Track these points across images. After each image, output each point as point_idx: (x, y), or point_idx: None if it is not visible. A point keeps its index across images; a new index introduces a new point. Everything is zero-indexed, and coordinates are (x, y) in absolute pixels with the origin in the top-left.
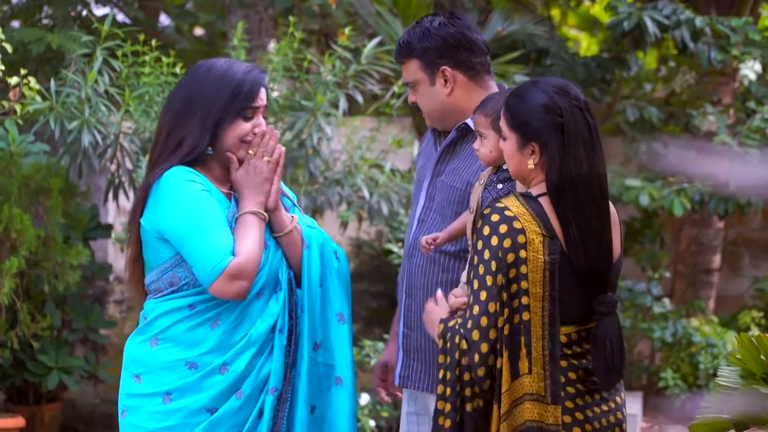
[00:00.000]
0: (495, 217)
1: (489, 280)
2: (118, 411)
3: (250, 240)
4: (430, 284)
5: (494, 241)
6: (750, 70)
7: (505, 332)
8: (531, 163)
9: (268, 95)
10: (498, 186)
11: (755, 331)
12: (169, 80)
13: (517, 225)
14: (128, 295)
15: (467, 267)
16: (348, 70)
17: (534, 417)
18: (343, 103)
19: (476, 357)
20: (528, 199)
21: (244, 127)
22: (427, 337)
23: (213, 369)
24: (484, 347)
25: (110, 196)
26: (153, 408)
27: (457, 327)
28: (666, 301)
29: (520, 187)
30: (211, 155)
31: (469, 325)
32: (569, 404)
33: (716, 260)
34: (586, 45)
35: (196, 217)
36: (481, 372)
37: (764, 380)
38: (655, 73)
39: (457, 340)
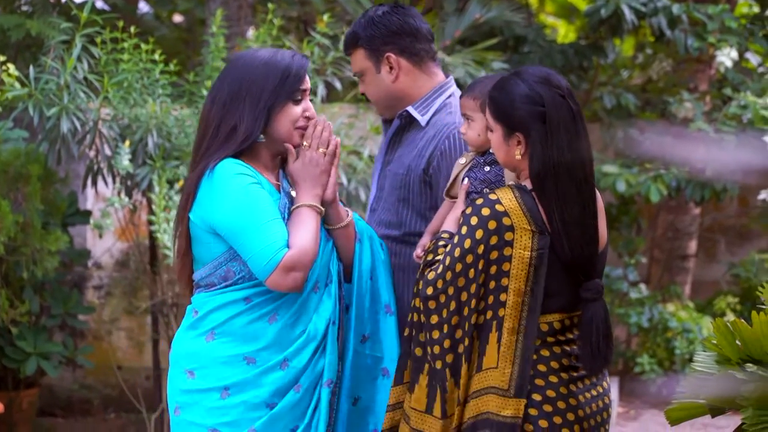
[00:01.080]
0: (485, 211)
1: (458, 267)
2: (169, 409)
3: (305, 232)
4: (400, 265)
5: (479, 234)
6: (726, 57)
7: (473, 322)
8: (518, 154)
9: None
10: (485, 168)
11: (731, 317)
12: (148, 67)
13: (506, 221)
14: (107, 281)
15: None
16: (327, 57)
17: (491, 409)
18: (321, 90)
19: (421, 305)
20: (522, 192)
21: (295, 110)
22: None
23: (274, 365)
24: (432, 304)
25: (89, 182)
26: (210, 403)
27: (431, 260)
28: (642, 286)
29: (508, 175)
30: (261, 143)
31: (430, 276)
32: (551, 393)
33: (692, 246)
34: (564, 32)
35: (248, 211)
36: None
37: (740, 365)
38: (632, 60)
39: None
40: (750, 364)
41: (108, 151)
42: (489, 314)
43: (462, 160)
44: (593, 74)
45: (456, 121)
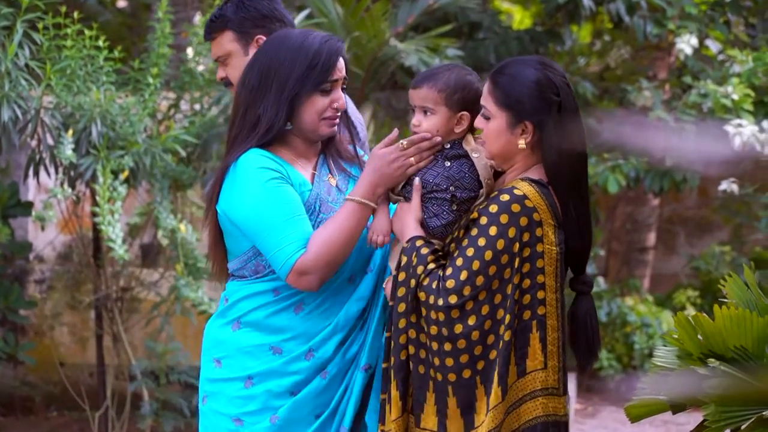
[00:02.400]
0: (516, 207)
1: (491, 269)
2: (198, 398)
3: (333, 232)
4: None
5: (512, 232)
6: (686, 44)
7: (507, 323)
8: (522, 143)
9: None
10: (446, 163)
11: (691, 311)
12: (92, 53)
13: (536, 217)
14: (49, 275)
15: (401, 251)
16: None
17: (548, 411)
18: None
19: (441, 316)
20: (540, 186)
21: (322, 102)
22: None
23: (299, 355)
24: (455, 313)
25: (31, 172)
26: (234, 393)
27: (433, 269)
28: (600, 280)
29: (484, 169)
30: (292, 130)
31: (449, 285)
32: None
33: (651, 238)
34: (519, 18)
35: (266, 209)
36: (434, 331)
37: (701, 361)
38: (590, 48)
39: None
40: (712, 360)
41: (50, 141)
42: (527, 314)
43: None
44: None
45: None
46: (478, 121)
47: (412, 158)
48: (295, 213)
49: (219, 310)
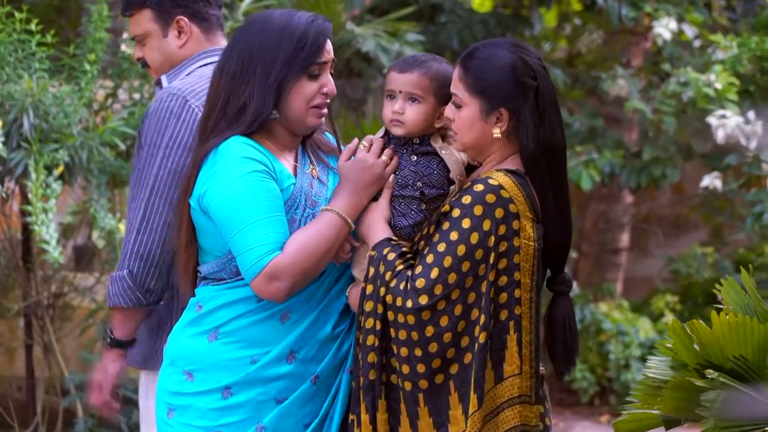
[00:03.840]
0: (490, 198)
1: (465, 266)
2: (156, 410)
3: (310, 240)
4: None
5: (486, 225)
6: (664, 28)
7: (483, 323)
8: (497, 132)
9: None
10: (412, 158)
11: (669, 317)
12: (23, 38)
13: (512, 209)
14: None
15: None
16: (224, 26)
17: (519, 422)
18: None
19: (410, 319)
20: (517, 176)
21: (311, 87)
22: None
23: (278, 357)
24: (426, 314)
25: None
26: (209, 405)
27: (401, 270)
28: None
29: (452, 163)
30: (275, 119)
31: (419, 285)
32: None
33: (624, 239)
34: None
35: (245, 203)
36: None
37: (698, 372)
38: (558, 32)
39: (394, 285)
40: (710, 371)
41: None
42: (504, 314)
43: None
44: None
45: (174, 85)
46: (449, 110)
47: (383, 157)
48: (275, 212)
49: (190, 318)
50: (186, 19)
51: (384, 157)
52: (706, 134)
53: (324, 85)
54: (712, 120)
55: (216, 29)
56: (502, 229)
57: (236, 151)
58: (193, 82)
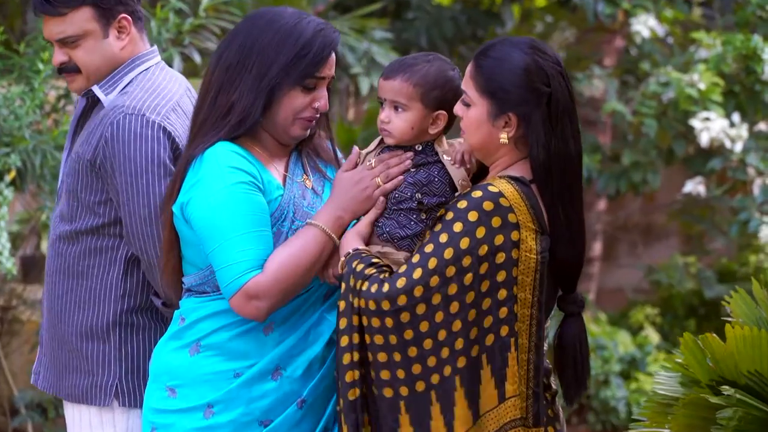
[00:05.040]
0: (488, 205)
1: (449, 270)
2: (142, 428)
3: (289, 254)
4: (49, 270)
5: (480, 233)
6: (643, 25)
7: (472, 337)
8: (504, 137)
9: (337, 60)
10: (411, 170)
11: (650, 331)
12: None
13: (512, 218)
14: None
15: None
16: (184, 25)
17: None
18: (178, 64)
19: (388, 321)
20: (521, 184)
21: (302, 99)
22: (48, 329)
23: (262, 373)
24: (405, 317)
25: None
26: (191, 425)
27: (372, 274)
28: None
29: (455, 170)
30: (262, 124)
31: (399, 284)
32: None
33: (596, 248)
34: None
35: (225, 217)
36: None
37: (711, 388)
38: (529, 30)
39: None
40: (726, 387)
41: None
42: (504, 330)
43: (362, 159)
44: None
45: (127, 104)
46: (458, 108)
47: (378, 178)
48: (258, 227)
49: (173, 331)
50: (128, 18)
51: (379, 180)
52: (689, 137)
53: (317, 99)
54: (695, 123)
55: (143, 30)
56: (498, 239)
57: (222, 160)
58: (142, 97)
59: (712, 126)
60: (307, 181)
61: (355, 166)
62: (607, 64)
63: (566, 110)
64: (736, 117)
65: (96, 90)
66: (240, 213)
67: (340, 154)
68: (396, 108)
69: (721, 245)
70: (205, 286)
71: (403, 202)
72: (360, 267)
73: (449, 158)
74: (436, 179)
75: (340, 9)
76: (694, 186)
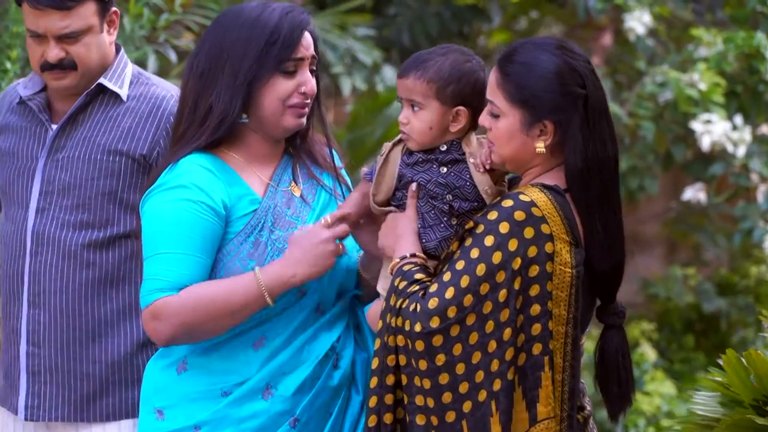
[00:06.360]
0: (519, 215)
1: (483, 288)
2: None
3: (210, 292)
4: (70, 286)
5: (513, 245)
6: (637, 21)
7: (507, 359)
8: (541, 146)
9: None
10: (442, 170)
11: (647, 348)
12: None
13: (545, 229)
14: None
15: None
16: (159, 21)
17: None
18: (152, 63)
19: (419, 345)
20: (555, 193)
21: (285, 85)
22: (63, 352)
23: (252, 392)
24: (438, 340)
25: None
26: None
27: (412, 291)
28: None
29: (482, 179)
30: (247, 126)
31: (431, 305)
32: None
33: None
34: None
35: (163, 230)
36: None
37: (755, 408)
38: (512, 26)
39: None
40: None
41: None
42: (537, 348)
43: (381, 155)
44: (472, 43)
45: (171, 93)
46: (484, 119)
47: (336, 228)
48: (194, 251)
49: (161, 349)
50: (117, 11)
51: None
52: (688, 141)
53: (302, 84)
54: (696, 125)
55: None
56: (532, 251)
57: (184, 173)
58: (170, 86)
59: (714, 129)
60: (295, 189)
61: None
62: (595, 62)
63: (602, 112)
64: (738, 119)
65: (107, 83)
66: (179, 232)
67: (339, 162)
68: (413, 107)
69: (713, 255)
70: None
71: (434, 199)
72: (403, 285)
73: (474, 161)
74: (468, 183)
75: (317, 4)
76: (694, 193)
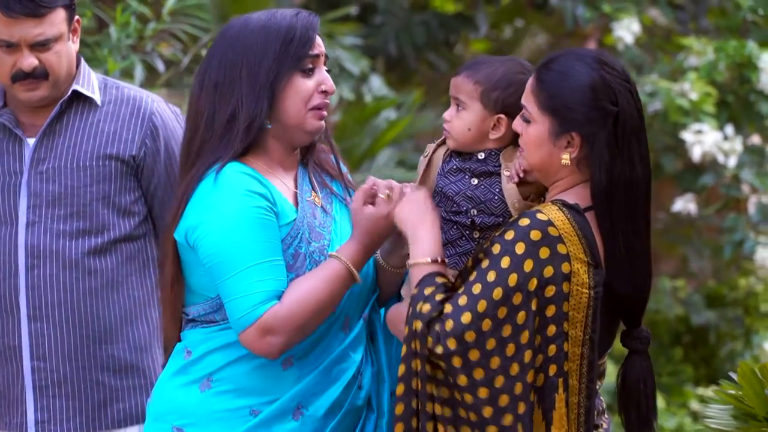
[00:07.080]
0: (536, 235)
1: (501, 312)
2: None
3: (309, 287)
4: (74, 295)
5: (528, 266)
6: (626, 30)
7: (529, 381)
8: (566, 158)
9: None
10: (473, 181)
11: None
12: None
13: (561, 249)
14: None
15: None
16: (146, 30)
17: None
18: (140, 72)
19: (442, 364)
20: (574, 212)
21: (306, 84)
22: (71, 363)
23: (282, 412)
24: (457, 361)
25: None
26: None
27: (431, 328)
28: None
29: (511, 192)
30: (269, 132)
31: (448, 327)
32: None
33: None
34: None
35: (241, 244)
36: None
37: None
38: (498, 35)
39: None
40: None
41: None
42: (553, 369)
43: (424, 157)
44: (460, 53)
45: (145, 94)
46: (517, 124)
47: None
48: (274, 256)
49: (178, 366)
50: (79, 19)
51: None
52: (678, 151)
53: (321, 82)
54: (687, 136)
55: None
56: (548, 272)
57: (237, 182)
58: (139, 88)
59: (705, 139)
60: (317, 199)
61: (373, 196)
62: None
63: (634, 131)
64: (729, 129)
65: (82, 89)
66: (256, 240)
67: (345, 169)
68: (458, 107)
69: (697, 267)
70: (215, 314)
71: (458, 215)
72: (429, 291)
73: (508, 173)
74: (497, 197)
75: None
76: (685, 204)
